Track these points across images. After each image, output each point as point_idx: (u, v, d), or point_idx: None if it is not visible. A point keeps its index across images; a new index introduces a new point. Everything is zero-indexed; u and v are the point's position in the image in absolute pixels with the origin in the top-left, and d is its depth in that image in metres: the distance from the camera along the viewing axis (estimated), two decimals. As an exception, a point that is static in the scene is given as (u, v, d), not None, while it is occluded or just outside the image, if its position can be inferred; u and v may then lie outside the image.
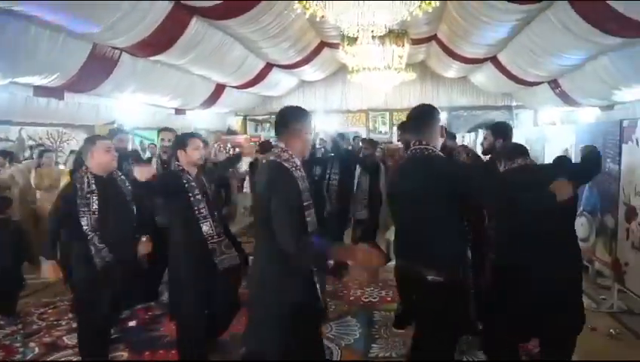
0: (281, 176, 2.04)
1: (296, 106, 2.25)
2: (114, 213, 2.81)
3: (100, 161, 2.83)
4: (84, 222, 2.71)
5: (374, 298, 4.46)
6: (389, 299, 4.42)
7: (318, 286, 2.14)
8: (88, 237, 2.70)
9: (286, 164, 2.06)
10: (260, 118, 13.73)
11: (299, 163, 2.12)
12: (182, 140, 2.98)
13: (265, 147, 5.06)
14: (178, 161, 2.96)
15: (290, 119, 2.15)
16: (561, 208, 2.34)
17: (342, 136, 6.79)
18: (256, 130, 13.60)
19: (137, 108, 8.67)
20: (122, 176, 3.01)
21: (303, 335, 2.06)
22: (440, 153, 2.34)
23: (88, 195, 2.74)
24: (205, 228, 2.81)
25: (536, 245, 2.37)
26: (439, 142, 2.36)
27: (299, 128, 2.14)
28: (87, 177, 2.79)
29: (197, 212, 2.80)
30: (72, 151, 7.44)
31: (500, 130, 3.46)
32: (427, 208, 2.18)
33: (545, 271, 2.37)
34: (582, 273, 2.66)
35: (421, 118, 2.37)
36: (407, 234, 2.32)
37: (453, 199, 2.19)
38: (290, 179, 2.04)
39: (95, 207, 2.73)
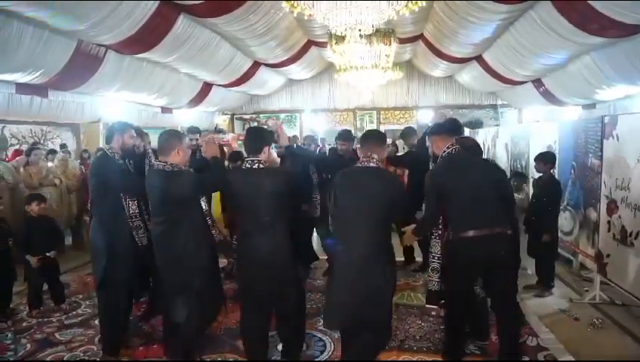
0: (392, 176, 3.01)
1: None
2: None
3: (185, 158, 2.84)
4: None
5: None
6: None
7: None
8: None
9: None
10: (247, 116, 13.70)
11: None
12: (271, 137, 2.92)
13: (235, 157, 5.15)
14: (258, 156, 2.80)
15: (385, 139, 2.94)
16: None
17: (312, 138, 6.90)
18: (243, 129, 13.57)
19: (123, 107, 8.59)
20: None
21: None
22: None
23: None
24: None
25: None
26: None
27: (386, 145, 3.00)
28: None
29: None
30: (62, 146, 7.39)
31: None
32: (497, 188, 2.95)
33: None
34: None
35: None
36: (479, 208, 2.87)
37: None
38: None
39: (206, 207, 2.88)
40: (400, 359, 3.17)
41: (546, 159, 4.41)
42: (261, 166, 2.79)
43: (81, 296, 4.33)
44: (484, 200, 2.86)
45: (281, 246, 2.77)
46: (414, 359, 3.17)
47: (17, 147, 7.82)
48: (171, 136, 2.86)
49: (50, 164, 6.19)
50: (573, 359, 3.15)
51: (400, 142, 10.15)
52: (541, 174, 4.47)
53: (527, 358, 3.16)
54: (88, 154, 7.79)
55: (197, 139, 5.18)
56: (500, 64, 8.71)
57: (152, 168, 2.94)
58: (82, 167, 6.83)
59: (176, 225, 2.73)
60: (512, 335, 2.98)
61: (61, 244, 4.48)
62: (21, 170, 5.74)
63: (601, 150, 4.08)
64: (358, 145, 3.33)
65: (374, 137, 2.91)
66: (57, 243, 4.21)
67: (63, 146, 7.69)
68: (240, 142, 11.24)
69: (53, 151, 6.99)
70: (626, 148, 3.78)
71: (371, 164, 2.75)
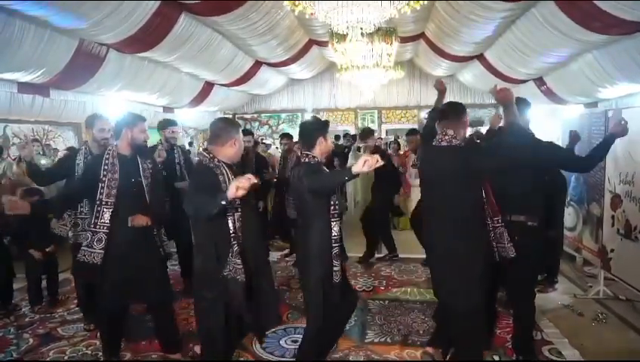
0: (463, 150, 2.63)
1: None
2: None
3: (239, 151, 2.55)
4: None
5: (368, 287, 4.53)
6: (382, 288, 4.51)
7: None
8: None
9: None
10: (248, 116, 13.70)
11: None
12: (324, 126, 2.65)
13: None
14: (309, 150, 2.61)
15: (461, 112, 2.72)
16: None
17: None
18: (244, 129, 13.58)
19: (125, 106, 8.58)
20: None
21: None
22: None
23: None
24: (337, 228, 2.56)
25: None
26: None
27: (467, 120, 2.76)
28: (221, 167, 2.43)
29: (333, 209, 2.55)
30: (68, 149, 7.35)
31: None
32: (527, 174, 2.82)
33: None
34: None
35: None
36: (507, 195, 2.82)
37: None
38: None
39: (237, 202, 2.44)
40: (404, 353, 3.16)
41: None
42: (306, 160, 2.61)
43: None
44: (518, 186, 2.80)
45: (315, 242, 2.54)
46: (418, 353, 3.16)
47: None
48: (229, 125, 2.58)
49: (43, 162, 6.17)
50: (577, 352, 3.14)
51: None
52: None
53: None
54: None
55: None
56: (502, 63, 8.70)
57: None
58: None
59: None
60: (520, 331, 2.98)
61: (58, 240, 4.35)
62: (14, 167, 5.73)
63: (605, 145, 4.05)
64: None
65: (449, 111, 2.75)
66: (54, 239, 4.14)
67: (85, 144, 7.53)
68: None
69: (72, 149, 6.96)
70: (630, 142, 3.76)
71: (443, 143, 2.66)
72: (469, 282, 2.56)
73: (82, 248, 2.79)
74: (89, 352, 3.23)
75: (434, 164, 2.73)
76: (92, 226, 2.79)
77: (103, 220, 2.78)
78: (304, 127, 2.73)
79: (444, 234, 2.63)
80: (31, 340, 3.43)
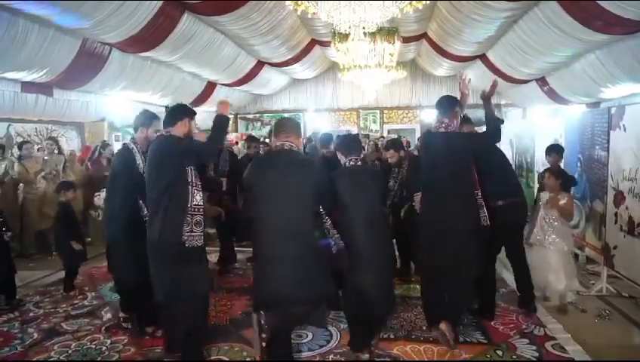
0: (461, 136, 3.38)
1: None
2: None
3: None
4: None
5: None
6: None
7: None
8: None
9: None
10: (250, 116, 13.73)
11: None
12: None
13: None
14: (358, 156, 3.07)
15: (455, 104, 3.24)
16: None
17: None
18: (247, 129, 13.59)
19: (127, 106, 8.61)
20: None
21: None
22: None
23: None
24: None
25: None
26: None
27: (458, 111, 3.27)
28: None
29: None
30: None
31: None
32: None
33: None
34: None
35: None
36: (498, 182, 3.51)
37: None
38: None
39: None
40: (407, 348, 3.16)
41: (557, 151, 4.42)
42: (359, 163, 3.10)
43: (87, 288, 4.39)
44: (502, 177, 3.58)
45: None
46: (421, 348, 3.16)
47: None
48: (297, 122, 3.07)
49: (46, 158, 6.20)
50: (580, 348, 3.13)
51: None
52: (548, 166, 4.46)
53: (534, 347, 3.15)
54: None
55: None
56: (504, 63, 8.70)
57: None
58: (88, 163, 6.82)
59: None
60: (523, 286, 3.73)
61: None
62: (15, 165, 5.74)
63: (608, 141, 4.06)
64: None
65: (441, 105, 3.27)
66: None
67: (104, 143, 7.53)
68: (243, 142, 11.25)
69: (105, 145, 7.02)
70: (633, 139, 3.77)
71: (441, 130, 3.21)
72: (470, 246, 3.04)
73: (185, 234, 2.73)
74: (93, 346, 3.24)
75: (436, 146, 3.23)
76: (188, 210, 2.76)
77: (195, 202, 2.80)
78: (356, 140, 3.25)
79: (445, 206, 3.07)
80: (35, 334, 3.44)
